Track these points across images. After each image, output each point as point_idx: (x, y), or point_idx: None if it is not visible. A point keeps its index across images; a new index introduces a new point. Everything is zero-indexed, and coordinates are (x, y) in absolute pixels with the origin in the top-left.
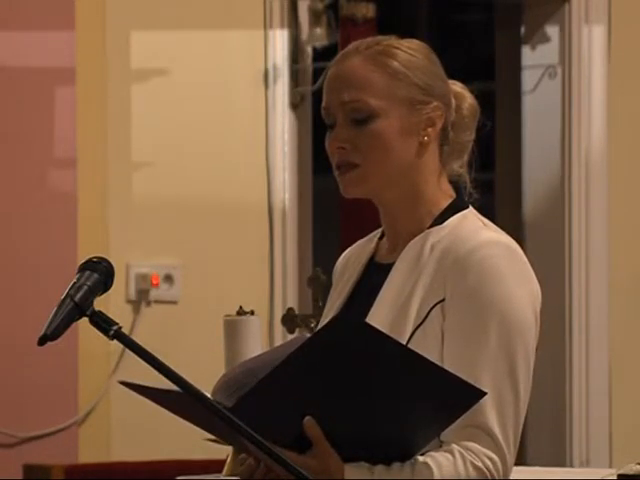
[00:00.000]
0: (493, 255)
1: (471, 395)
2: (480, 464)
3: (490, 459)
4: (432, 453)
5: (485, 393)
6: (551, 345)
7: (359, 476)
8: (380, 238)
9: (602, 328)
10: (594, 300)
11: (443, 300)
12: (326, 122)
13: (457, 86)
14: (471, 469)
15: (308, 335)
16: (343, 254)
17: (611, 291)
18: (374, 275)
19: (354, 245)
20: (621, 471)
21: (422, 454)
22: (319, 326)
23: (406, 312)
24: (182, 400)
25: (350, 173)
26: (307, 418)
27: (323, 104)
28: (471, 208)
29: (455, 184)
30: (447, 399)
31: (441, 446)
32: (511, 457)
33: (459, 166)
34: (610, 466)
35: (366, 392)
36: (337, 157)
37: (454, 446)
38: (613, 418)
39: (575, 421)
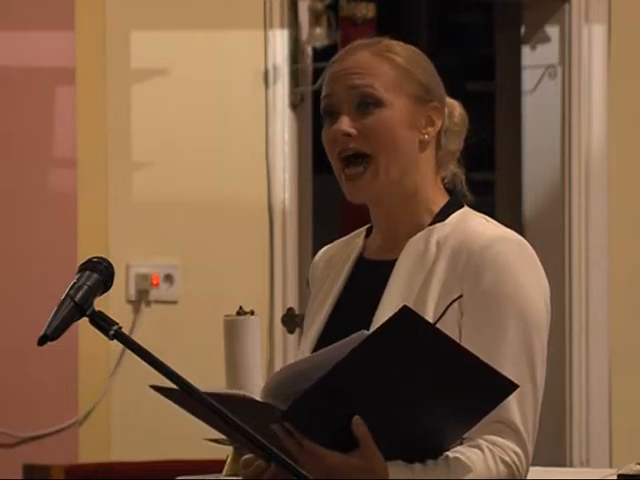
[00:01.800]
0: (507, 251)
1: (504, 388)
2: (508, 459)
3: (516, 454)
4: (460, 449)
5: (517, 386)
6: (551, 345)
7: (401, 475)
8: (367, 236)
9: (602, 328)
10: (594, 300)
11: (460, 297)
12: (326, 111)
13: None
14: (501, 465)
15: (366, 332)
16: (320, 252)
17: (611, 291)
18: (368, 272)
19: (333, 243)
20: (621, 471)
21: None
22: (305, 328)
23: (422, 309)
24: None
25: (363, 175)
26: (356, 417)
27: (325, 93)
28: (466, 207)
29: (447, 185)
30: (484, 392)
31: (462, 441)
32: (532, 450)
33: (453, 167)
34: (610, 466)
35: (413, 389)
36: (340, 144)
37: (481, 441)
38: (613, 418)
39: (575, 421)
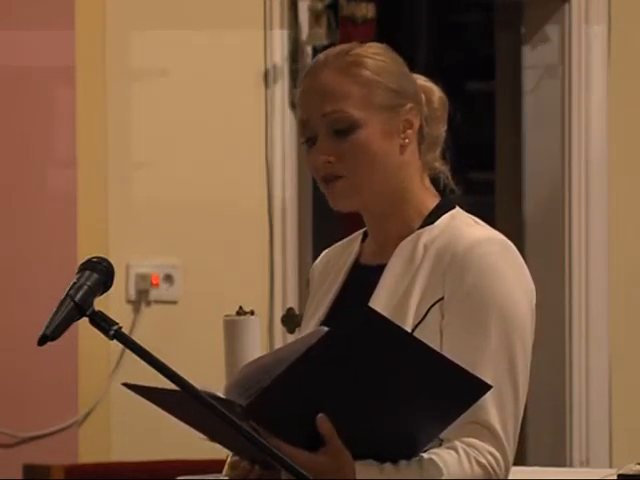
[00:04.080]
0: (491, 252)
1: (477, 389)
2: (484, 460)
3: (492, 455)
4: (436, 450)
5: (490, 387)
6: (551, 345)
7: (370, 474)
8: (363, 240)
9: (602, 328)
10: (594, 300)
11: (442, 299)
12: (304, 136)
13: (422, 80)
14: (476, 466)
15: (324, 329)
16: (321, 256)
17: (611, 291)
18: (362, 277)
19: (333, 247)
20: (621, 471)
21: (424, 451)
22: (302, 330)
23: (404, 312)
24: (185, 402)
25: (339, 184)
26: (320, 415)
27: (299, 118)
28: (458, 207)
29: (436, 181)
30: (455, 393)
31: (441, 443)
32: (511, 453)
33: (434, 159)
34: (610, 466)
35: (378, 388)
36: (323, 171)
37: (457, 443)
38: (613, 418)
39: (575, 421)
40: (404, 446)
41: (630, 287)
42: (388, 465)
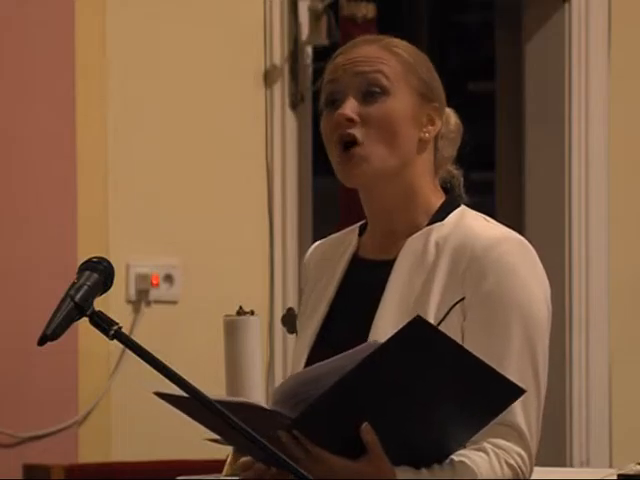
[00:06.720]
0: (510, 252)
1: (511, 393)
2: (513, 462)
3: (520, 456)
4: (465, 452)
5: (524, 390)
6: (551, 345)
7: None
8: (360, 234)
9: (602, 328)
10: (594, 300)
11: (462, 299)
12: (329, 99)
13: None
14: (506, 467)
15: (377, 342)
16: (312, 248)
17: (611, 291)
18: (363, 272)
19: (324, 240)
20: (621, 471)
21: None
22: (300, 325)
23: (424, 312)
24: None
25: (354, 151)
26: (365, 424)
27: (330, 78)
28: (464, 206)
29: (445, 185)
30: (492, 397)
31: (465, 444)
32: (535, 452)
33: (452, 168)
34: (610, 466)
35: (423, 395)
36: (340, 131)
37: (486, 444)
38: (613, 418)
39: (575, 421)
40: (436, 450)
41: (630, 287)
42: (423, 470)
